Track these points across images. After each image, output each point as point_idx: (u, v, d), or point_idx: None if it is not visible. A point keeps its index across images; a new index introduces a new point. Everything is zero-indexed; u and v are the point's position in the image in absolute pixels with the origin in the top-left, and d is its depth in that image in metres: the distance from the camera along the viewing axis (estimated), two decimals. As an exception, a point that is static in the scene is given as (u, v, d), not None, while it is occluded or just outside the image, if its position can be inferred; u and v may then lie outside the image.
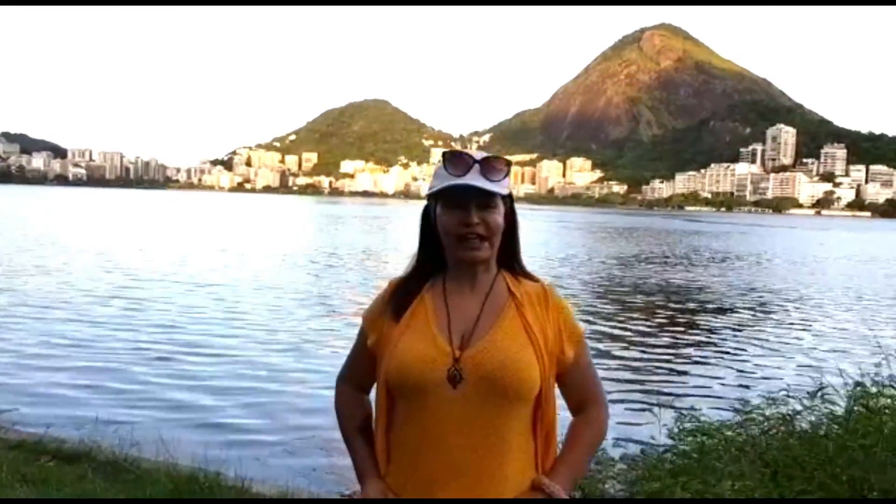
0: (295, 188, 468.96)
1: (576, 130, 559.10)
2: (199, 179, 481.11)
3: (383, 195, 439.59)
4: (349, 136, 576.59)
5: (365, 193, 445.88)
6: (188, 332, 12.23)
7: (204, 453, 5.08)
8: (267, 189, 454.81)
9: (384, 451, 1.71)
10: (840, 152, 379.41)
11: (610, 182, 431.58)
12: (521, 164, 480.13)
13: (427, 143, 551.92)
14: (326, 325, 13.62)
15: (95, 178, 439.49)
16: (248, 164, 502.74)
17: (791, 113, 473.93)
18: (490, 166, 1.67)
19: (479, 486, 1.59)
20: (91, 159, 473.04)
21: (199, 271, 21.91)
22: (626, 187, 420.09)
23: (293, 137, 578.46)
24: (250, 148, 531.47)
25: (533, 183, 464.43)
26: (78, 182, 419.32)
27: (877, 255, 46.94)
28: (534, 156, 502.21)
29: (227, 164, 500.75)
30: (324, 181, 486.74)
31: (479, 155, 1.70)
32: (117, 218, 59.61)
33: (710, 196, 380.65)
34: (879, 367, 5.42)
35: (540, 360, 1.64)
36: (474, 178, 1.64)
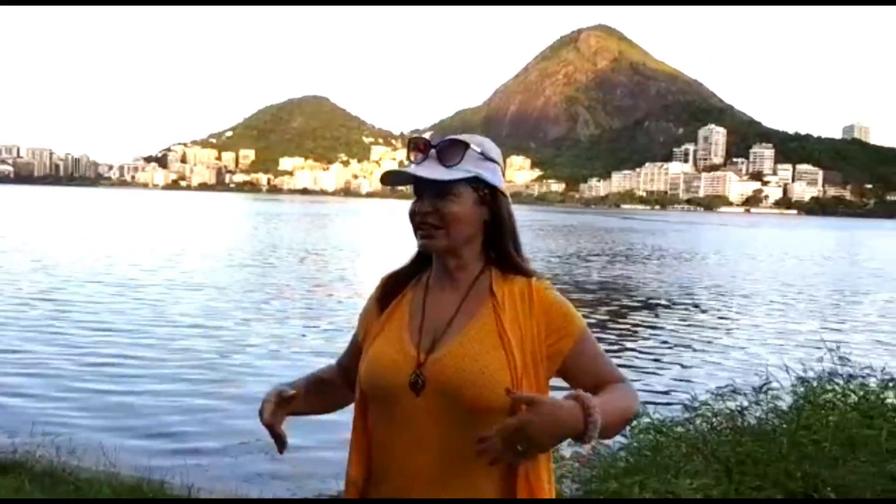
0: (232, 186, 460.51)
1: (515, 129, 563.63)
2: (133, 177, 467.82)
3: (323, 193, 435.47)
4: (288, 133, 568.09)
5: (305, 191, 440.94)
6: (121, 336, 11.87)
7: (147, 462, 4.89)
8: (203, 187, 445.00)
9: (364, 453, 1.61)
10: (768, 152, 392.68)
11: (549, 181, 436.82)
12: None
13: (367, 140, 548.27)
14: (263, 328, 13.33)
15: (23, 176, 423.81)
16: (184, 161, 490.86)
17: (722, 114, 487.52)
18: (445, 151, 1.59)
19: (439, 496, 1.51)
20: (19, 156, 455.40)
21: (131, 272, 21.29)
22: (564, 186, 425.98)
23: (230, 134, 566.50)
24: (185, 144, 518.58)
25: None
26: (4, 179, 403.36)
27: (806, 251, 48.68)
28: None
29: (162, 162, 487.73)
30: (262, 179, 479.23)
31: (438, 140, 1.61)
32: (45, 217, 57.49)
33: (645, 194, 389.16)
34: (821, 361, 5.57)
35: (511, 365, 1.50)
36: (430, 165, 1.58)
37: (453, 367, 1.51)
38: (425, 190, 1.60)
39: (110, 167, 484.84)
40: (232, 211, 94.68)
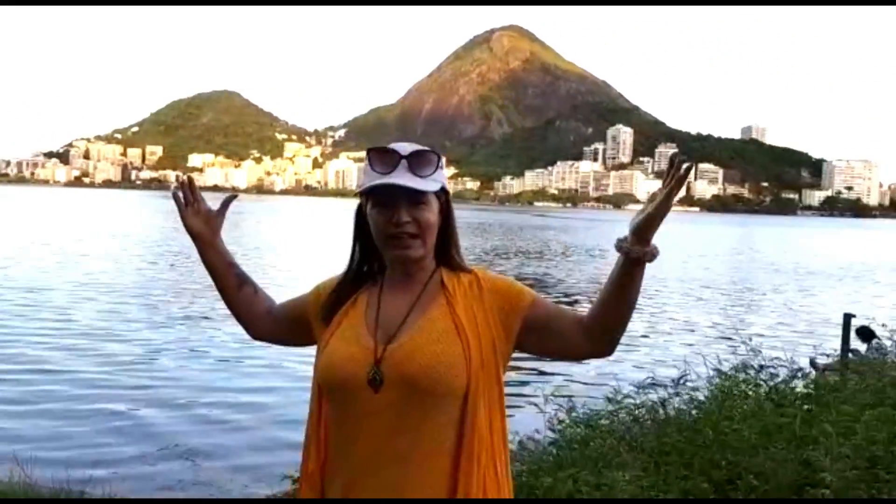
0: (139, 183, 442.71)
1: (430, 127, 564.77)
2: (32, 173, 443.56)
3: (235, 190, 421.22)
4: (197, 129, 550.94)
5: (215, 188, 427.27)
6: (26, 344, 11.29)
7: (66, 474, 4.67)
8: (108, 183, 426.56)
9: (322, 447, 1.62)
10: (672, 151, 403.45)
11: (464, 178, 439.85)
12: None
13: (280, 136, 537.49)
14: (175, 332, 12.92)
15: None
16: (87, 156, 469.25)
17: (628, 114, 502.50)
18: (418, 161, 1.60)
19: (395, 490, 1.53)
20: None
21: (32, 274, 20.30)
22: (479, 184, 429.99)
23: (136, 129, 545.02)
24: (88, 140, 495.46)
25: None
26: None
27: (710, 248, 50.75)
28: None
29: (63, 157, 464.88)
30: (170, 175, 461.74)
31: (406, 149, 1.61)
32: (-67, 215, 54.00)
33: (557, 192, 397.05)
34: (735, 353, 5.84)
35: (467, 353, 1.55)
36: (402, 175, 1.57)
37: (410, 356, 1.54)
38: (398, 200, 1.58)
39: (7, 163, 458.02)
40: (139, 209, 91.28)
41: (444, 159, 1.66)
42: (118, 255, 27.54)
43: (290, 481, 4.03)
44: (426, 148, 1.63)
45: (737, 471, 3.39)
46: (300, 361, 9.99)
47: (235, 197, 1.86)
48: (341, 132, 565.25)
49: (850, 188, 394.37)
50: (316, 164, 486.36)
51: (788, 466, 3.37)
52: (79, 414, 7.83)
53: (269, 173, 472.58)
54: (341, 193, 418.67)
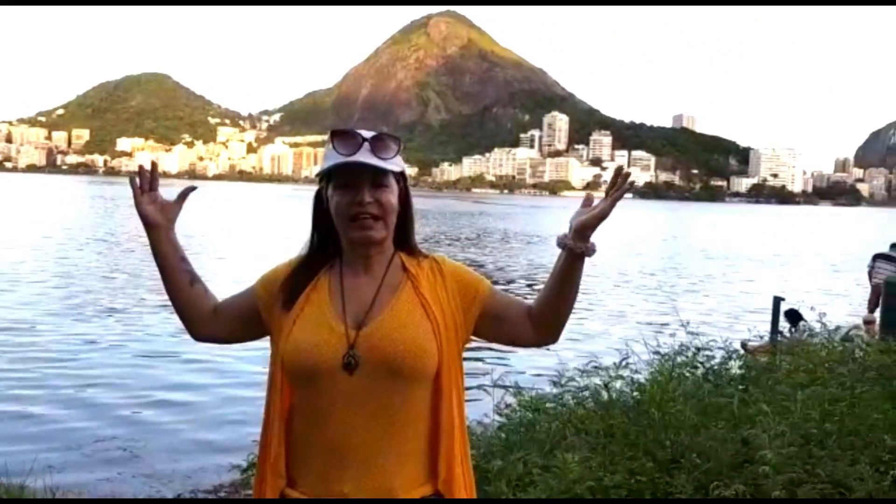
0: (64, 167, 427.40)
1: (367, 112, 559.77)
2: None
3: (166, 175, 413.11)
4: (126, 112, 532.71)
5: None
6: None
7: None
8: (31, 168, 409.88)
9: (282, 441, 1.62)
10: (606, 139, 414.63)
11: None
12: (314, 145, 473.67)
13: (213, 120, 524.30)
14: (97, 325, 12.52)
15: None
16: (9, 140, 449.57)
17: (564, 102, 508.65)
18: (380, 144, 1.63)
19: (372, 472, 1.56)
20: None
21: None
22: (417, 170, 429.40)
23: (61, 112, 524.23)
24: (10, 123, 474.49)
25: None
26: None
27: (645, 234, 51.88)
28: (325, 137, 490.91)
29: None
30: (98, 160, 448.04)
31: (368, 133, 1.64)
32: None
33: (494, 179, 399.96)
34: (674, 336, 6.01)
35: (437, 335, 1.61)
36: (365, 157, 1.60)
37: (387, 339, 1.57)
38: (362, 181, 1.60)
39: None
40: (64, 194, 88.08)
41: (403, 145, 1.69)
42: (43, 244, 26.52)
43: (239, 471, 3.98)
44: (388, 132, 1.67)
45: (680, 450, 3.50)
46: (234, 357, 9.86)
47: (194, 189, 1.81)
48: (276, 116, 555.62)
49: (775, 175, 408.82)
50: (250, 149, 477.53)
51: (728, 445, 3.49)
52: (7, 414, 7.54)
53: (201, 158, 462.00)
54: (277, 179, 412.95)
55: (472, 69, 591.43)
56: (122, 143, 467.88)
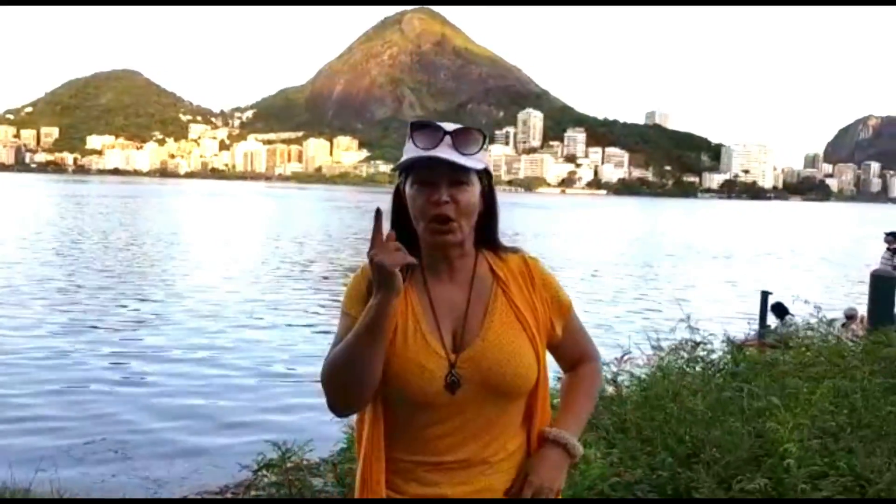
0: (33, 166, 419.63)
1: (341, 109, 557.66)
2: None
3: (137, 173, 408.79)
4: (96, 109, 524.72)
5: (116, 171, 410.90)
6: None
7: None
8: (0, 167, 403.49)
9: (381, 455, 1.58)
10: (581, 136, 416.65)
11: (377, 161, 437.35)
12: (287, 142, 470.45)
13: (185, 118, 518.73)
14: (70, 329, 12.20)
15: None
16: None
17: (538, 98, 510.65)
18: (463, 138, 1.55)
19: (473, 480, 1.56)
20: None
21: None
22: (392, 167, 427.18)
23: (30, 109, 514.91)
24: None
25: (300, 161, 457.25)
26: None
27: (624, 230, 52.23)
28: (299, 134, 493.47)
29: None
30: (68, 158, 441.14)
31: (450, 126, 1.56)
32: None
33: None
34: (674, 331, 6.02)
35: (534, 345, 1.58)
36: (445, 152, 1.52)
37: (489, 359, 1.54)
38: (440, 177, 1.53)
39: None
40: (32, 193, 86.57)
41: (488, 140, 1.61)
42: (8, 242, 25.99)
43: (250, 472, 3.93)
44: (472, 126, 1.59)
45: (697, 444, 3.49)
46: (228, 357, 9.74)
47: (380, 214, 1.51)
48: (249, 113, 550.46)
49: (746, 171, 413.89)
50: (223, 146, 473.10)
51: (745, 439, 3.49)
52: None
53: (172, 156, 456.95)
54: (250, 176, 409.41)
55: (447, 66, 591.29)
56: (92, 141, 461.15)
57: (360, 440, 1.62)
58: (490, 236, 1.66)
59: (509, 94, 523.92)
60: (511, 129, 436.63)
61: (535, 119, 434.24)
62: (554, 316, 1.66)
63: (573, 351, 1.72)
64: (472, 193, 1.56)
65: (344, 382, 1.51)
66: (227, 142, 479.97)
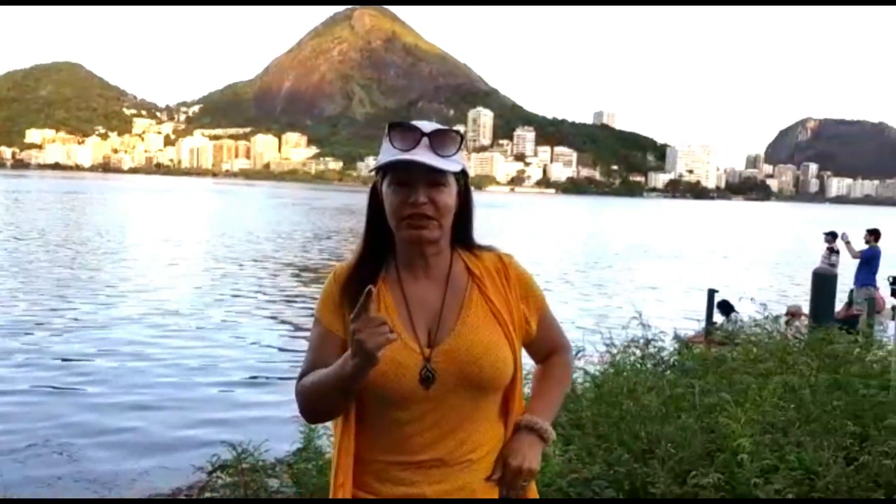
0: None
1: (290, 105, 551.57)
2: None
3: (79, 168, 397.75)
4: (35, 102, 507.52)
5: (56, 166, 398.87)
6: None
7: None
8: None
9: (351, 452, 1.58)
10: (530, 135, 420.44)
11: (326, 158, 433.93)
12: (235, 137, 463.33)
13: (129, 112, 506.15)
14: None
15: None
16: None
17: (488, 97, 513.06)
18: (440, 140, 1.55)
19: (449, 477, 1.56)
20: None
21: None
22: (342, 164, 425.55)
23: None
24: None
25: (248, 158, 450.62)
26: None
27: (574, 230, 52.86)
28: (247, 130, 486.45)
29: None
30: (6, 152, 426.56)
31: (428, 127, 1.56)
32: None
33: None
34: (626, 328, 6.11)
35: (510, 340, 1.59)
36: (423, 153, 1.53)
37: (464, 353, 1.55)
38: (417, 179, 1.53)
39: None
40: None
41: (466, 140, 1.63)
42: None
43: (204, 473, 3.85)
44: (449, 127, 1.59)
45: (652, 440, 3.55)
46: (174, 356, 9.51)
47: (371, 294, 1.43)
48: (195, 108, 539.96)
49: (690, 171, 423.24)
50: (168, 142, 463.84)
51: (699, 434, 3.56)
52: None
53: (116, 151, 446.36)
54: (196, 172, 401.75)
55: (397, 63, 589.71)
56: (32, 135, 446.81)
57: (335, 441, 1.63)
58: (465, 235, 1.67)
59: (459, 92, 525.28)
60: (461, 128, 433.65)
61: (485, 118, 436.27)
62: (529, 312, 1.66)
63: (546, 344, 1.74)
64: (449, 194, 1.57)
65: (312, 411, 1.61)
66: (173, 137, 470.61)
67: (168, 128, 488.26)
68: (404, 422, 1.55)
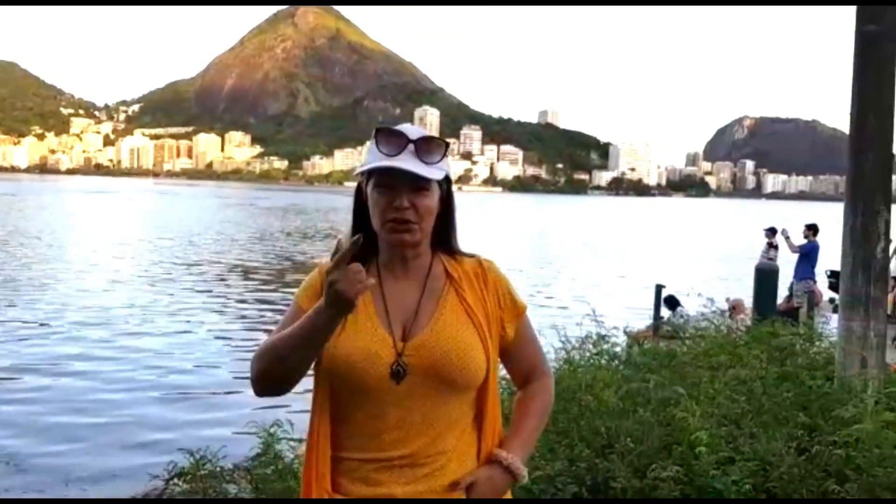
0: None
1: (233, 103, 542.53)
2: None
3: (14, 170, 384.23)
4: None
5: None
6: None
7: None
8: None
9: (328, 439, 1.60)
10: (476, 134, 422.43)
11: (271, 157, 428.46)
12: (176, 136, 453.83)
13: (66, 111, 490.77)
14: None
15: None
16: None
17: (434, 95, 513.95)
18: (426, 147, 1.58)
19: (418, 478, 1.57)
20: None
21: None
22: (287, 163, 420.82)
23: None
24: None
25: (190, 157, 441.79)
26: None
27: (528, 227, 53.25)
28: (189, 129, 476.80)
29: None
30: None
31: (415, 133, 1.59)
32: None
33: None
34: (580, 325, 6.18)
35: (484, 342, 1.61)
36: (408, 160, 1.56)
37: (436, 349, 1.57)
38: (401, 184, 1.56)
39: None
40: None
41: (451, 147, 1.66)
42: None
43: (161, 482, 3.76)
44: (435, 135, 1.63)
45: (611, 436, 3.60)
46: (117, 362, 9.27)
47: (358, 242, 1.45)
48: (135, 107, 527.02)
49: (633, 169, 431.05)
50: (107, 142, 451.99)
51: (656, 428, 3.63)
52: None
53: (53, 151, 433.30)
54: (137, 173, 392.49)
55: (342, 61, 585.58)
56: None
57: (310, 435, 1.64)
58: (447, 239, 1.69)
59: (405, 90, 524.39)
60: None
61: (431, 116, 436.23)
62: (505, 315, 1.68)
63: (525, 362, 1.74)
64: (432, 199, 1.60)
65: (270, 372, 1.55)
66: (112, 137, 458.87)
67: (107, 127, 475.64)
68: (375, 417, 1.57)
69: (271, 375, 1.55)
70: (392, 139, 1.57)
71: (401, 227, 1.56)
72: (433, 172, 1.58)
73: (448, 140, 1.56)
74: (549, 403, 1.78)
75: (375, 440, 1.57)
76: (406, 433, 1.56)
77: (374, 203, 1.58)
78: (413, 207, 1.56)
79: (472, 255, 1.72)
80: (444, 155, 1.61)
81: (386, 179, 1.56)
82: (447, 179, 1.66)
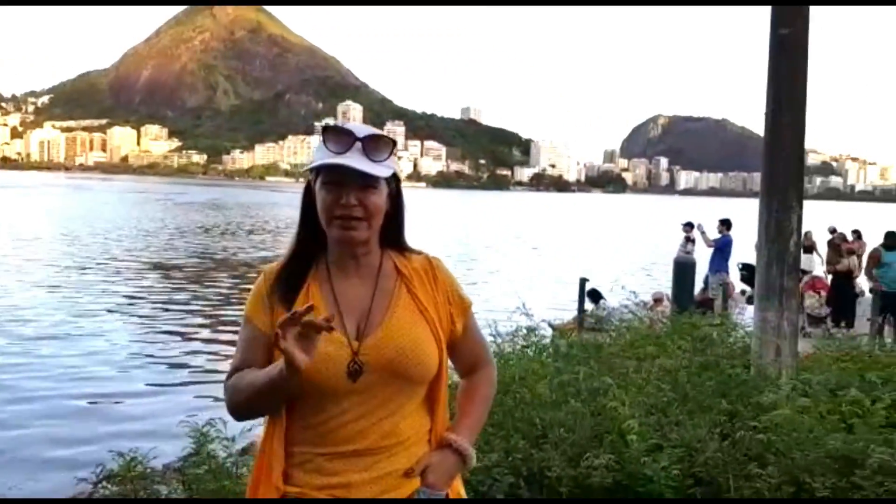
0: None
1: (149, 96, 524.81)
2: None
3: None
4: None
5: None
6: None
7: None
8: None
9: (282, 436, 1.61)
10: (400, 129, 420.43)
11: (189, 151, 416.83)
12: (89, 129, 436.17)
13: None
14: None
15: None
16: None
17: (357, 90, 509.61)
18: (373, 145, 1.60)
19: (373, 468, 1.59)
20: None
21: None
22: (206, 157, 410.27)
23: None
24: None
25: (104, 151, 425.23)
26: None
27: (458, 221, 53.39)
28: (103, 121, 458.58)
29: None
30: None
31: (362, 131, 1.60)
32: None
33: (289, 167, 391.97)
34: (510, 318, 6.28)
35: (436, 337, 1.64)
36: (355, 158, 1.57)
37: (391, 346, 1.60)
38: (348, 182, 1.57)
39: None
40: None
41: (398, 145, 1.68)
42: None
43: (88, 484, 3.64)
44: (383, 133, 1.64)
45: (545, 426, 3.68)
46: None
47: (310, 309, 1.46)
48: (45, 98, 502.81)
49: (553, 165, 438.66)
50: (15, 134, 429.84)
51: (587, 418, 3.73)
52: None
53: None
54: (47, 167, 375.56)
55: (263, 54, 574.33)
56: None
57: (265, 434, 1.65)
58: (396, 237, 1.72)
59: (328, 85, 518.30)
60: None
61: (354, 111, 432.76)
62: (455, 312, 1.72)
63: (470, 355, 1.79)
64: (380, 196, 1.61)
65: (244, 410, 1.64)
66: (21, 129, 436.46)
67: (15, 119, 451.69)
68: (333, 414, 1.58)
69: (245, 414, 1.66)
70: (339, 137, 1.59)
71: (348, 225, 1.58)
72: (380, 170, 1.59)
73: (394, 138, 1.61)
74: (493, 390, 1.85)
75: (333, 435, 1.58)
76: (363, 427, 1.58)
77: (321, 200, 1.59)
78: (361, 205, 1.57)
79: (419, 253, 1.75)
80: (392, 153, 1.62)
81: (334, 177, 1.57)
82: (395, 177, 1.67)
